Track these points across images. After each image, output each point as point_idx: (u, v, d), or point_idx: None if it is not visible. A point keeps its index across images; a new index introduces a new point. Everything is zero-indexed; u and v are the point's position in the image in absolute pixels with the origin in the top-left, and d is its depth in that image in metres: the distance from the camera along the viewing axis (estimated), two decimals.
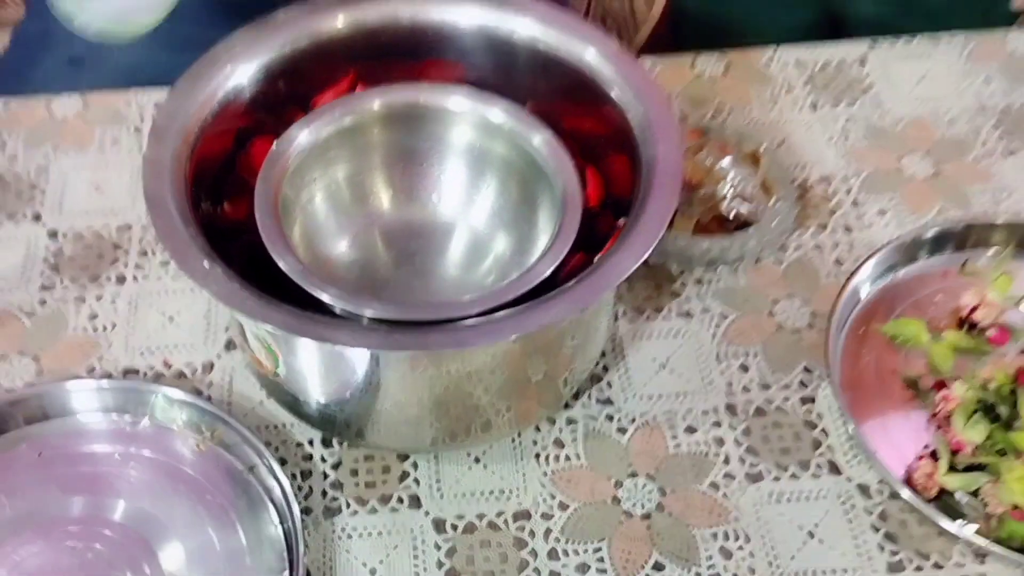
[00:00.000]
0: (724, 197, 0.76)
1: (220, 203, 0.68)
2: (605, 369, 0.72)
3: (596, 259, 0.62)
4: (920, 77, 0.90)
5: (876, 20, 0.98)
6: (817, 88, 0.89)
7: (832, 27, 0.97)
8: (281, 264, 0.61)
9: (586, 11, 1.23)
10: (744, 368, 0.72)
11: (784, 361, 0.73)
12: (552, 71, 0.67)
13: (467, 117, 0.68)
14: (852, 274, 0.74)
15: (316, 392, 0.64)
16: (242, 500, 0.65)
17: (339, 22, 0.68)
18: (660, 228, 0.59)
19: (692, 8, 1.07)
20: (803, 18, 1.00)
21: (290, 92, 0.69)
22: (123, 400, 0.68)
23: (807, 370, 0.72)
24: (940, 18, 0.94)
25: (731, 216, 0.76)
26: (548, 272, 0.60)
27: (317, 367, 0.63)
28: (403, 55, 0.69)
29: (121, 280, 0.75)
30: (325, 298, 0.60)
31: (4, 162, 0.82)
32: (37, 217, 0.79)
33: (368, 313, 0.59)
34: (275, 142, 0.66)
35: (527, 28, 0.67)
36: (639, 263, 0.58)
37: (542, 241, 0.67)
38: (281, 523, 0.64)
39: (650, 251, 0.58)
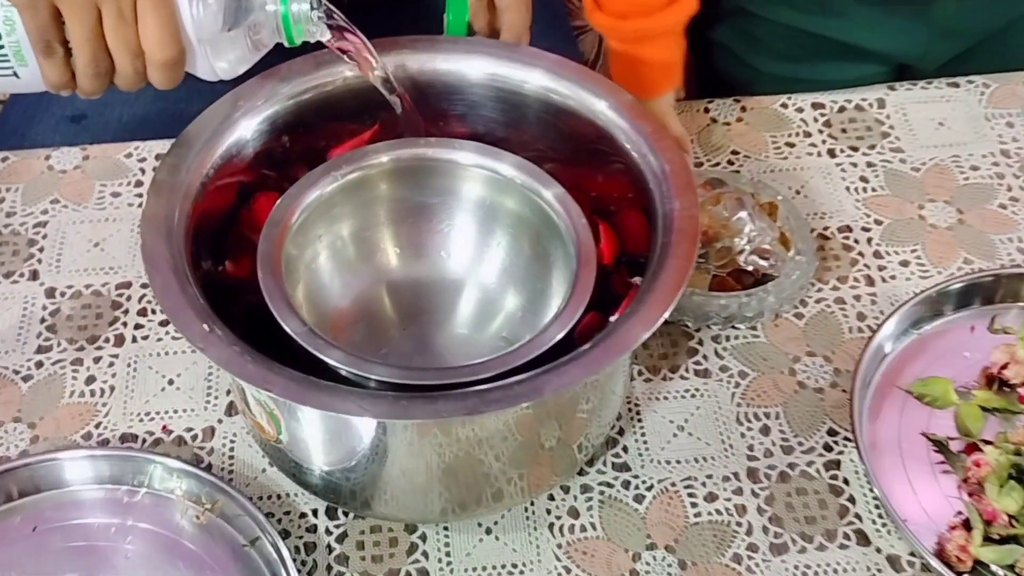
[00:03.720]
0: (742, 251, 0.74)
1: (221, 261, 0.65)
2: (620, 432, 0.69)
3: (612, 320, 0.60)
4: (939, 122, 0.87)
5: None
6: (835, 133, 0.86)
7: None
8: (285, 326, 0.59)
9: (594, 62, 1.21)
10: (765, 430, 0.69)
11: (807, 423, 0.70)
12: (563, 124, 0.65)
13: (477, 171, 0.66)
14: (876, 330, 0.71)
15: (320, 459, 0.61)
16: None
17: (345, 74, 0.66)
18: (678, 289, 0.56)
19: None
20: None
21: (294, 146, 0.67)
22: (120, 470, 0.65)
23: (831, 432, 0.69)
24: None
25: (750, 270, 0.74)
26: (561, 335, 0.58)
27: (321, 433, 0.60)
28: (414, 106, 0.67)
29: (120, 341, 0.73)
30: (330, 362, 0.57)
31: (1, 218, 0.80)
32: (35, 275, 0.76)
33: (375, 376, 0.57)
34: (279, 199, 0.64)
35: (538, 80, 0.65)
36: (656, 327, 0.55)
37: (555, 299, 0.65)
38: None
39: (667, 314, 0.56)
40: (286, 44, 0.63)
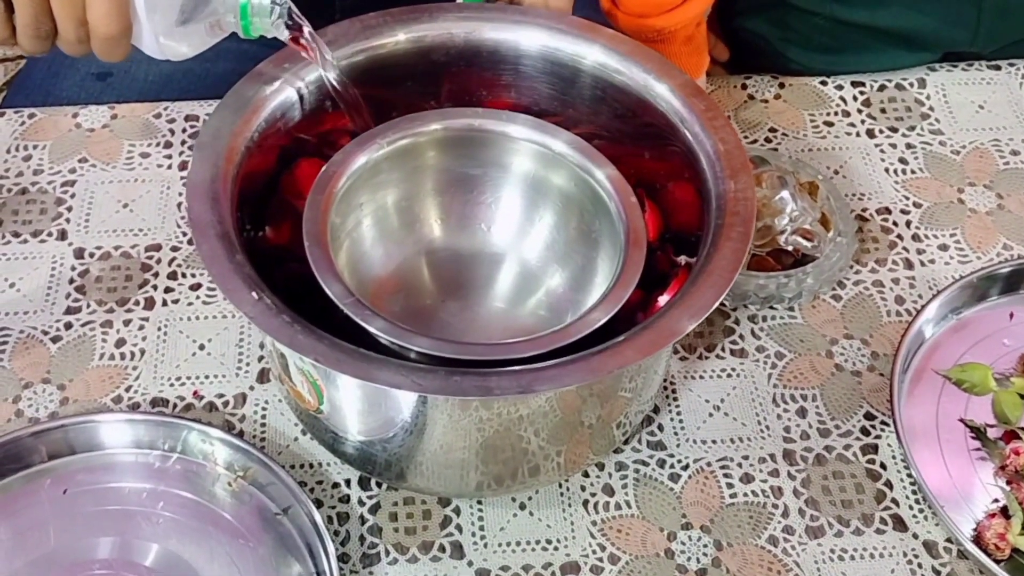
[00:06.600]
0: (783, 231, 0.73)
1: (260, 227, 0.64)
2: (656, 410, 0.69)
3: (663, 303, 0.59)
4: (980, 104, 0.86)
5: None
6: (874, 113, 0.85)
7: None
8: (331, 294, 0.58)
9: None
10: (802, 412, 0.69)
11: (844, 406, 0.69)
12: (615, 100, 0.64)
13: (527, 145, 0.64)
14: (917, 314, 0.70)
15: (358, 430, 0.61)
16: (276, 545, 0.62)
17: (397, 39, 0.64)
18: (733, 273, 0.56)
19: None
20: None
21: (337, 110, 0.65)
22: (153, 435, 0.64)
23: (868, 416, 0.69)
24: None
25: (789, 250, 0.73)
26: (607, 318, 0.57)
27: (362, 405, 0.59)
28: (458, 75, 0.66)
29: (150, 304, 0.72)
30: (372, 330, 0.56)
31: (29, 175, 0.78)
32: (63, 235, 0.75)
33: (418, 348, 0.56)
34: (325, 165, 0.62)
35: (596, 55, 0.64)
36: (710, 311, 0.54)
37: (598, 279, 0.64)
38: (317, 571, 0.60)
39: (722, 298, 0.55)
40: (241, 35, 0.61)
